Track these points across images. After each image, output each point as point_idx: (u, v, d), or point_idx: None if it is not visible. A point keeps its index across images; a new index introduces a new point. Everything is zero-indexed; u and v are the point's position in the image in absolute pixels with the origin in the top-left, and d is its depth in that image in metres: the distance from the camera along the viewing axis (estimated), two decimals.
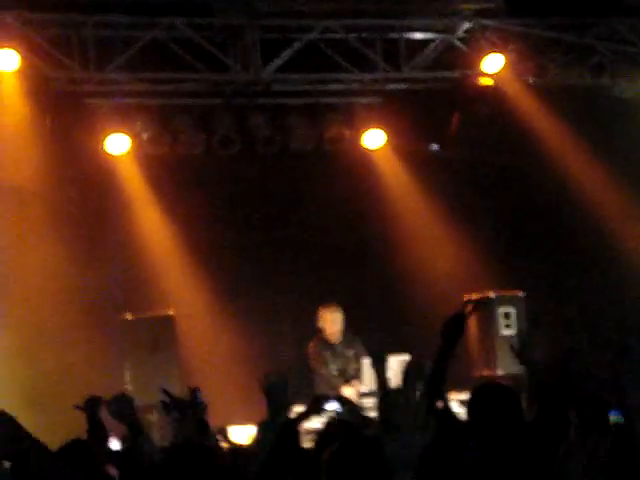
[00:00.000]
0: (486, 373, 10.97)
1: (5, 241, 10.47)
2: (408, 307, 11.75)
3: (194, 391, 5.88)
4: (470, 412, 4.44)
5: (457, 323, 5.11)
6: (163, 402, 5.77)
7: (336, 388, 10.34)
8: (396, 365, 10.25)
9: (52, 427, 6.97)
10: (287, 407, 5.11)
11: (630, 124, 11.65)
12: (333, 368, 10.50)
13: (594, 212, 11.48)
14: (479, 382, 6.29)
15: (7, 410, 2.80)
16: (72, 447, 4.94)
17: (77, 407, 5.95)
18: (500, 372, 11.04)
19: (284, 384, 5.10)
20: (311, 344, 10.54)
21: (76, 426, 5.89)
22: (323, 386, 10.42)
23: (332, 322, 10.52)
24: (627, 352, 4.31)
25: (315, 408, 5.50)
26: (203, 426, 5.70)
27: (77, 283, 10.67)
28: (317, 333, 10.56)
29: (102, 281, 10.89)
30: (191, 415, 5.73)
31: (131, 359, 10.48)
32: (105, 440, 5.82)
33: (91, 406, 5.97)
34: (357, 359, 10.44)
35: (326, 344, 10.52)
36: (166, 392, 5.79)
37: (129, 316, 10.56)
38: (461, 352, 10.56)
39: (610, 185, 11.40)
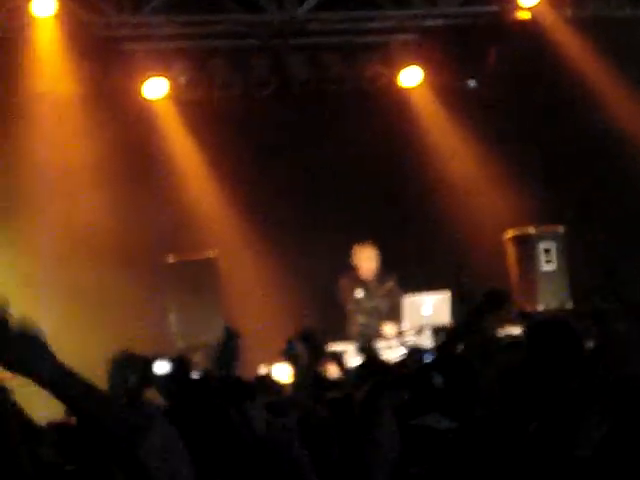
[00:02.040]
0: (528, 308, 10.98)
1: (42, 183, 10.56)
2: (447, 244, 11.75)
3: (290, 344, 5.72)
4: (530, 347, 4.46)
5: (498, 298, 5.13)
6: None
7: (372, 327, 10.37)
8: (434, 302, 10.40)
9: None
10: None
11: None
12: (365, 304, 10.53)
13: (635, 145, 11.38)
14: (537, 317, 6.33)
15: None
16: None
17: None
18: (541, 307, 11.06)
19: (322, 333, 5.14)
20: (342, 280, 10.57)
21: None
22: (351, 322, 10.45)
23: (367, 259, 10.56)
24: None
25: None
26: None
27: (119, 226, 10.75)
28: (350, 270, 10.62)
29: (144, 224, 10.96)
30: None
31: (174, 301, 10.59)
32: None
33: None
34: (391, 295, 10.48)
35: (358, 280, 10.55)
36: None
37: (171, 259, 10.66)
38: (504, 288, 10.64)
39: None
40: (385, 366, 5.74)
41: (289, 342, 5.66)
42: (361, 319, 10.47)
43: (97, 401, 2.43)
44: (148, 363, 5.29)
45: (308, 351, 5.16)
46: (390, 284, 10.55)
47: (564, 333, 4.44)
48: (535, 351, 4.43)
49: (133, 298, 10.63)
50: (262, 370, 9.21)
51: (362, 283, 10.55)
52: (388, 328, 10.29)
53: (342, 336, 10.12)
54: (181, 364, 5.35)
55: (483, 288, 5.51)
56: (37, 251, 10.59)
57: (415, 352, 5.95)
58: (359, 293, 10.53)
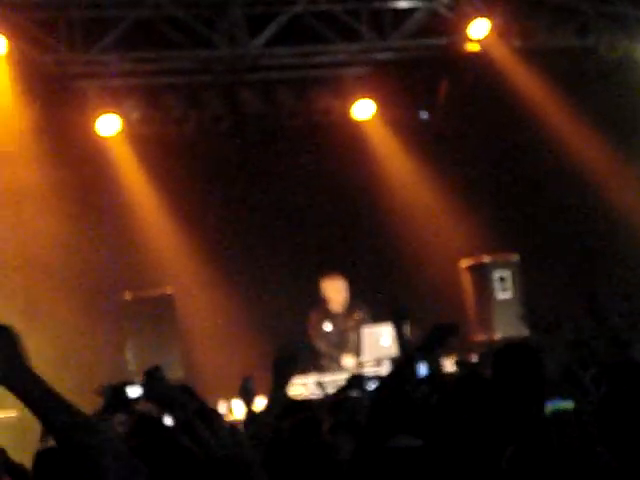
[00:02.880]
0: (484, 337, 11.05)
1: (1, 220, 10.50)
2: (402, 276, 11.81)
3: (246, 380, 5.58)
4: (495, 371, 4.49)
5: (447, 331, 5.17)
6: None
7: (335, 359, 10.40)
8: (390, 333, 10.41)
9: None
10: (289, 380, 5.15)
11: (615, 84, 11.66)
12: (332, 337, 10.55)
13: (586, 171, 11.53)
14: (501, 343, 6.37)
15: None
16: None
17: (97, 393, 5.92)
18: (498, 335, 11.11)
19: (293, 358, 5.15)
20: (312, 314, 10.59)
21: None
22: (321, 357, 10.48)
23: (336, 291, 10.58)
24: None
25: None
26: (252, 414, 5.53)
27: (72, 263, 10.70)
28: (321, 303, 10.63)
29: (97, 261, 10.91)
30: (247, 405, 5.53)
31: (131, 338, 10.53)
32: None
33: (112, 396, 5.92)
34: (359, 327, 10.50)
35: (328, 313, 10.57)
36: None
37: (127, 295, 10.61)
38: (458, 316, 10.72)
39: (601, 144, 11.43)
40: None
41: (244, 379, 5.65)
42: (326, 351, 10.47)
43: (68, 413, 2.41)
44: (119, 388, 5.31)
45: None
46: (360, 315, 10.57)
47: (527, 356, 4.49)
48: (500, 374, 4.47)
49: (88, 335, 10.56)
50: (221, 406, 9.18)
51: (332, 316, 10.57)
52: (347, 360, 10.30)
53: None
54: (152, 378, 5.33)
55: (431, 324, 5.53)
56: None
57: (356, 379, 5.94)
58: (327, 326, 10.55)
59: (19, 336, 2.52)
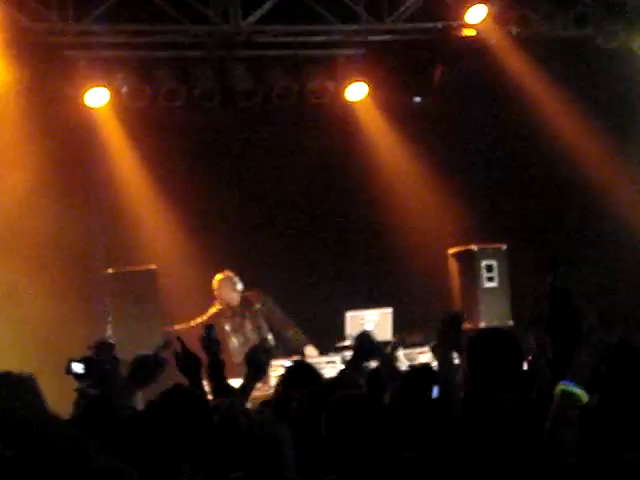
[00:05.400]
0: (469, 325, 10.99)
1: None
2: (391, 260, 11.74)
3: (208, 328, 5.74)
4: (470, 358, 4.43)
5: (455, 322, 5.08)
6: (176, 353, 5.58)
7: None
8: (377, 318, 10.35)
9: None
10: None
11: (613, 74, 11.60)
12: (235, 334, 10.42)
13: (579, 162, 11.47)
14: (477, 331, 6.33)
15: None
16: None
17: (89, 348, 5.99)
18: (483, 324, 11.07)
19: (267, 351, 5.19)
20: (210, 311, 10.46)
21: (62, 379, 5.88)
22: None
23: (229, 289, 10.45)
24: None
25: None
26: (219, 365, 5.59)
27: (57, 236, 10.59)
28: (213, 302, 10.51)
29: (83, 234, 10.82)
30: (207, 353, 5.63)
31: (114, 313, 10.44)
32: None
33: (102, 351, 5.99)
34: (262, 314, 10.40)
35: (224, 313, 10.44)
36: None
37: (111, 270, 10.52)
38: (445, 304, 10.65)
39: (595, 134, 11.37)
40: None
41: (206, 327, 5.69)
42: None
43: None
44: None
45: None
46: (256, 307, 10.48)
47: (505, 343, 4.42)
48: (475, 361, 4.40)
49: (70, 310, 10.46)
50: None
51: (226, 312, 10.45)
52: (310, 350, 10.21)
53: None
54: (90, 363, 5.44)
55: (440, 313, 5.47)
56: None
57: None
58: (224, 323, 10.40)
59: (37, 384, 2.44)
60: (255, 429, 3.61)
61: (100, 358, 5.71)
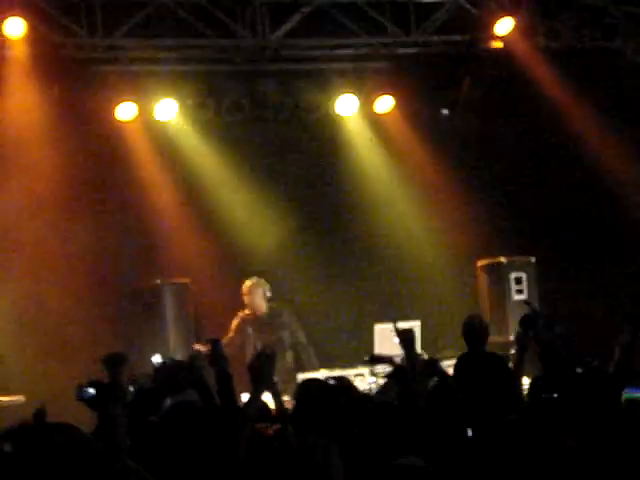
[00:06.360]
0: (498, 338, 10.94)
1: (12, 210, 10.43)
2: (420, 273, 11.73)
3: (215, 343, 5.70)
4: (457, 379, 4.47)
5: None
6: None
7: None
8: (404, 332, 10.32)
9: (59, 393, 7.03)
10: None
11: None
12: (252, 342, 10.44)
13: (607, 176, 11.41)
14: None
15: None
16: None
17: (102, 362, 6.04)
18: (512, 337, 11.02)
19: (269, 360, 5.14)
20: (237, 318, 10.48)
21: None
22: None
23: (260, 297, 10.47)
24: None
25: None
26: (226, 378, 5.57)
27: (86, 251, 10.64)
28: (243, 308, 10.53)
29: (112, 249, 10.87)
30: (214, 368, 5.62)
31: (147, 326, 10.49)
32: (123, 399, 5.84)
33: (114, 364, 6.04)
34: (287, 328, 10.44)
35: (248, 318, 10.46)
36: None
37: (143, 284, 10.58)
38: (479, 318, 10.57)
39: (622, 148, 11.31)
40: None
41: (213, 342, 5.66)
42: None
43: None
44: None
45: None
46: (284, 315, 10.50)
47: (490, 363, 4.46)
48: (461, 380, 4.44)
49: (100, 323, 10.50)
50: (244, 397, 9.12)
51: (253, 321, 10.49)
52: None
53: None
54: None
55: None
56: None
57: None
58: (248, 330, 10.43)
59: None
60: (306, 453, 3.60)
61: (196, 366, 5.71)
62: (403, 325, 10.21)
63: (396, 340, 10.09)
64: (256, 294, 10.48)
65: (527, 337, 5.70)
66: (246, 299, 10.52)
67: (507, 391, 4.39)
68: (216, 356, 5.57)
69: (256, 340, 10.38)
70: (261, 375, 5.02)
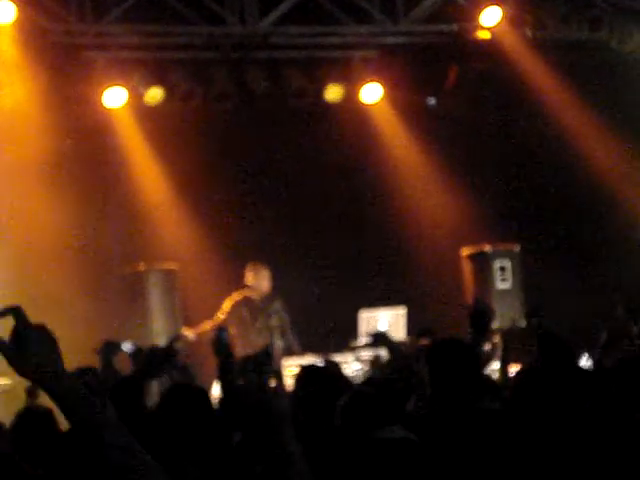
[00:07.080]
0: None
1: (3, 194, 10.44)
2: (405, 260, 11.80)
3: (220, 330, 5.53)
4: (430, 367, 4.51)
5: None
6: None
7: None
8: (390, 317, 10.41)
9: None
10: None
11: (628, 78, 11.62)
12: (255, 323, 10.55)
13: (593, 165, 11.49)
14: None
15: None
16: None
17: (96, 351, 6.10)
18: (495, 325, 11.10)
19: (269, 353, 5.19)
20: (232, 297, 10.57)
21: None
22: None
23: (262, 279, 10.58)
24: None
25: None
26: (230, 368, 5.53)
27: (74, 236, 10.65)
28: (240, 289, 10.62)
29: (100, 234, 10.89)
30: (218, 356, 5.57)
31: (131, 311, 10.53)
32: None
33: (107, 351, 6.10)
34: (278, 314, 10.55)
35: (243, 301, 10.56)
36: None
37: (128, 269, 10.61)
38: (457, 305, 10.70)
39: (608, 138, 11.39)
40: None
41: (218, 329, 5.63)
42: (237, 333, 10.37)
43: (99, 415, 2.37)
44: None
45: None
46: (277, 305, 10.62)
47: (462, 352, 4.51)
48: (436, 370, 4.49)
49: (89, 306, 10.53)
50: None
51: (250, 303, 10.59)
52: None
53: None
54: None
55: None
56: None
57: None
58: (245, 312, 10.55)
59: (54, 336, 2.45)
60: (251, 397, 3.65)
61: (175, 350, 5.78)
62: (389, 311, 10.41)
63: (381, 326, 10.23)
64: (262, 277, 10.57)
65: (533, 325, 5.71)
66: (251, 279, 10.58)
67: (474, 377, 4.43)
68: (221, 346, 5.36)
69: (249, 324, 10.47)
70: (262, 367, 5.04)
